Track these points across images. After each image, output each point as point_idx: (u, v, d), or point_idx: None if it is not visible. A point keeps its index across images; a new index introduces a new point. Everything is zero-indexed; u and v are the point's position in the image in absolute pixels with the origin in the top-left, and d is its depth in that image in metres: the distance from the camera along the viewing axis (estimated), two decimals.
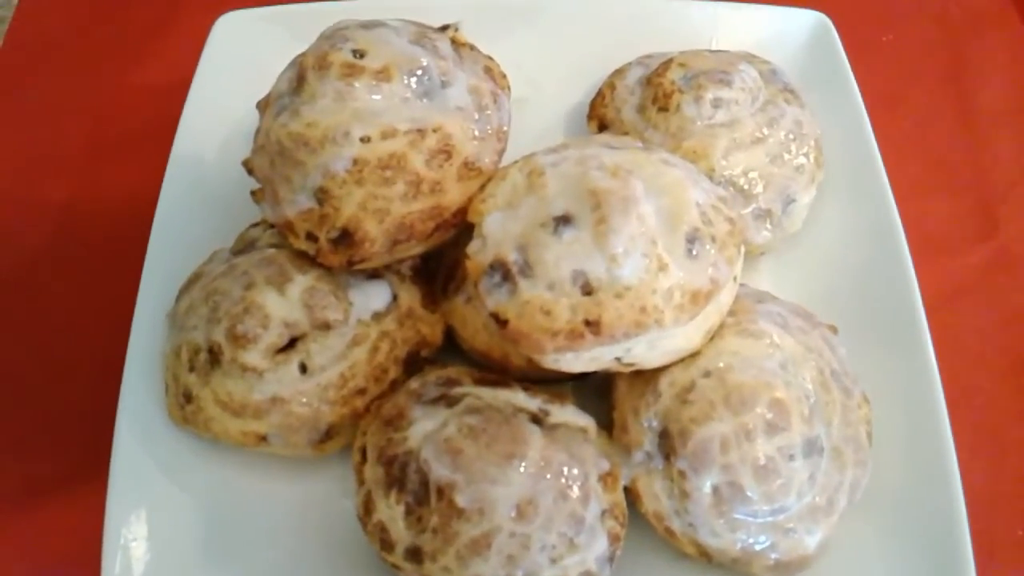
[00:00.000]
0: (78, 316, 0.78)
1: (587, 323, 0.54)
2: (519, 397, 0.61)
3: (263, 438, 0.62)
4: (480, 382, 0.62)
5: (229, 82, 0.79)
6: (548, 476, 0.56)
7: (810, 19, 0.84)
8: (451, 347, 0.69)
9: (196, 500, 0.64)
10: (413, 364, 0.65)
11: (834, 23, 0.83)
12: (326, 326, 0.62)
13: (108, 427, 0.64)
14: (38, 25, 0.97)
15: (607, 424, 0.64)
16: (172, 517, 0.63)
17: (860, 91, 0.79)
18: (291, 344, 0.62)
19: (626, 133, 0.73)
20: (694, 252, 0.56)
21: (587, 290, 0.54)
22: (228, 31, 0.82)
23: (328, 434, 0.62)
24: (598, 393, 0.67)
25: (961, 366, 0.72)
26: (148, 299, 0.69)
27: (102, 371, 0.68)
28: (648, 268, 0.54)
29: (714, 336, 0.61)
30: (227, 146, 0.76)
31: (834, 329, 0.66)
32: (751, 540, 0.58)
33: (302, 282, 0.62)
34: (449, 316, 0.68)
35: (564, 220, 0.55)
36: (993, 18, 0.98)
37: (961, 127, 0.90)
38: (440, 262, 0.70)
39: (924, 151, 0.88)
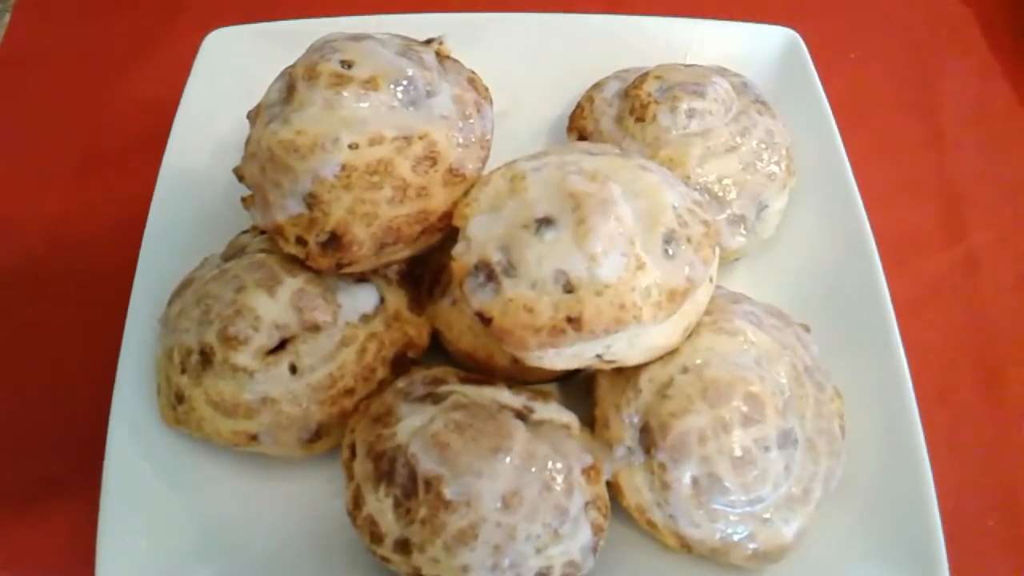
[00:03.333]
0: (71, 322, 0.79)
1: (569, 320, 0.56)
2: (504, 395, 0.63)
3: (254, 437, 0.63)
4: (466, 381, 0.64)
5: (218, 96, 0.81)
6: (533, 469, 0.57)
7: (781, 35, 0.87)
8: (437, 350, 0.71)
9: (188, 500, 0.65)
10: (400, 365, 0.67)
11: (804, 40, 0.86)
12: (315, 328, 0.64)
13: (102, 429, 0.65)
14: (31, 40, 0.99)
15: (590, 423, 0.66)
16: (165, 516, 0.64)
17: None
18: (281, 345, 0.63)
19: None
20: (671, 252, 0.58)
21: (568, 288, 0.56)
22: (217, 47, 0.85)
23: (318, 433, 0.64)
24: (581, 393, 0.69)
25: (930, 366, 0.74)
26: (140, 305, 0.70)
27: (95, 376, 0.69)
28: (627, 267, 0.56)
29: (691, 334, 0.63)
30: (216, 157, 0.78)
31: (806, 328, 0.68)
32: (730, 530, 0.60)
33: (292, 285, 0.64)
34: (435, 319, 0.70)
35: (545, 222, 0.57)
36: (957, 35, 1.02)
37: (927, 138, 0.94)
38: (425, 267, 0.72)
39: (892, 161, 0.91)
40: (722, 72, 0.80)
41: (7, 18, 1.01)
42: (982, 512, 0.72)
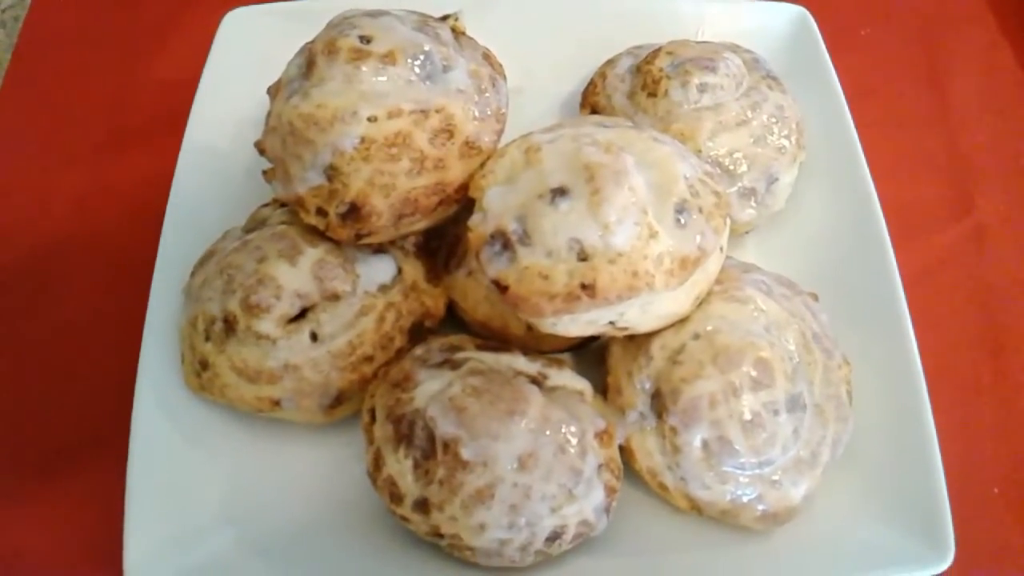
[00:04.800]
0: (97, 295, 0.81)
1: (583, 286, 0.57)
2: (519, 361, 0.64)
3: (277, 403, 0.65)
4: (482, 348, 0.65)
5: (237, 74, 0.83)
6: (548, 432, 0.59)
7: (791, 12, 0.88)
8: (453, 320, 0.73)
9: (212, 465, 0.67)
10: (417, 333, 0.68)
11: (814, 17, 0.87)
12: (335, 297, 0.65)
13: (128, 398, 0.67)
14: (52, 20, 1.00)
15: (603, 391, 0.67)
16: (189, 481, 0.66)
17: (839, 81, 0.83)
18: (302, 314, 0.65)
19: None
20: (682, 221, 0.59)
21: (582, 256, 0.57)
22: (236, 27, 0.86)
23: (338, 399, 0.66)
24: (594, 363, 0.70)
25: (937, 337, 0.75)
26: (164, 276, 0.72)
27: (121, 346, 0.71)
28: (639, 235, 0.58)
29: (702, 302, 0.64)
30: (236, 134, 0.79)
31: (815, 296, 0.70)
32: (739, 492, 0.62)
33: (312, 255, 0.66)
34: (451, 289, 0.71)
35: (560, 192, 0.59)
36: (966, 13, 1.02)
37: (936, 114, 0.94)
38: (441, 239, 0.73)
39: (901, 136, 0.91)
40: (734, 48, 0.81)
41: None
42: (988, 480, 0.73)
